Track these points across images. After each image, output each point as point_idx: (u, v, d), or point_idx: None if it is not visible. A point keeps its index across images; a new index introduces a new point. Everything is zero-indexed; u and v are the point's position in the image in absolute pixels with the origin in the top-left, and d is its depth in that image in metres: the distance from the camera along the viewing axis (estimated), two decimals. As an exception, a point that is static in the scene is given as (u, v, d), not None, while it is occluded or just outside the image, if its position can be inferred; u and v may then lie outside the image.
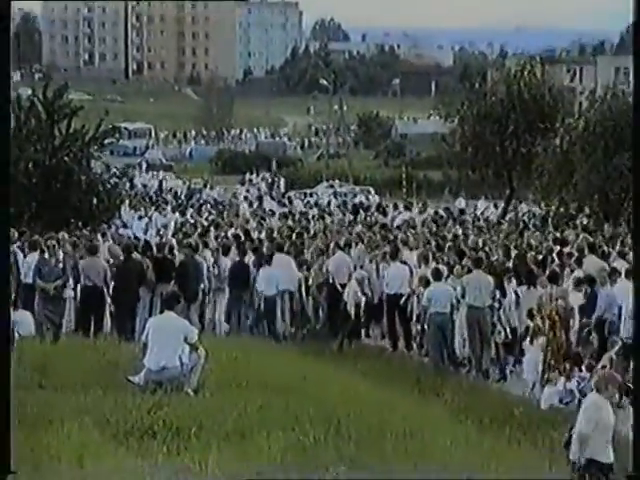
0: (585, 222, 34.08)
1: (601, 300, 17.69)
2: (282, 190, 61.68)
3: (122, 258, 19.56)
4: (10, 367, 8.53)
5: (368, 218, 39.35)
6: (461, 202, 45.40)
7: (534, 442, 12.31)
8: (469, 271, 18.85)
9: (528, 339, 17.69)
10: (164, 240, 25.32)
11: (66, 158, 28.53)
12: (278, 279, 20.52)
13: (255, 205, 46.99)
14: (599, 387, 10.27)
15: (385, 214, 39.98)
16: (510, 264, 20.76)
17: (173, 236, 28.47)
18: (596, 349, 17.23)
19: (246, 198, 51.56)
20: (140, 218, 36.45)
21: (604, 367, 16.08)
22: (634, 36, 9.36)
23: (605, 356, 16.36)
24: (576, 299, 18.06)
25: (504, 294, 18.86)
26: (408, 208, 40.50)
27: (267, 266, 20.61)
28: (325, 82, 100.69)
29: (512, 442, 12.10)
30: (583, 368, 16.52)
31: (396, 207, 41.22)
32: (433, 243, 25.63)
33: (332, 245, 23.32)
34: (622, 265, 19.80)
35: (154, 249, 21.03)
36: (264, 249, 22.50)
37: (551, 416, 14.35)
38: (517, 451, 11.59)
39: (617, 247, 23.14)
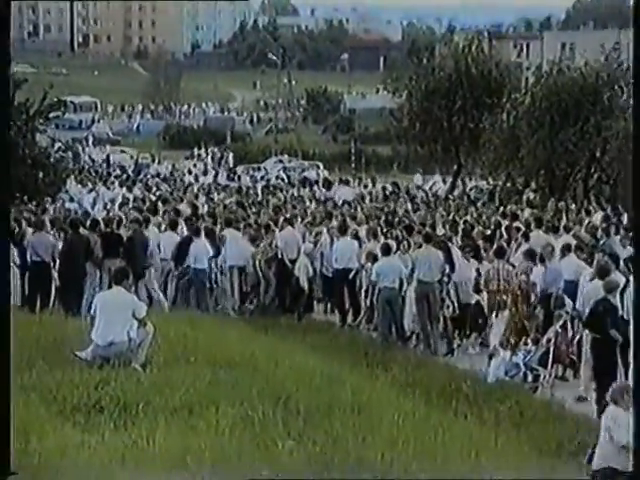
0: (532, 197, 34.41)
1: (547, 274, 17.86)
2: (230, 165, 61.40)
3: (69, 233, 19.38)
4: (10, 367, 8.43)
5: (317, 193, 39.36)
6: (419, 178, 45.41)
7: (480, 415, 12.42)
8: (420, 246, 18.92)
9: (494, 313, 17.79)
10: (111, 215, 25.09)
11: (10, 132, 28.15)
12: (209, 252, 20.41)
13: (203, 180, 46.77)
14: (615, 399, 10.20)
15: (330, 189, 40.00)
16: (458, 239, 20.91)
17: (120, 211, 28.25)
18: (541, 323, 17.42)
19: (194, 173, 51.28)
20: (88, 192, 36.10)
21: (549, 340, 16.28)
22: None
23: (550, 329, 16.54)
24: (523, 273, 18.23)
25: (453, 269, 18.95)
26: (346, 183, 40.57)
27: (197, 239, 20.47)
28: (274, 57, 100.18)
29: (459, 415, 12.20)
30: (529, 341, 16.71)
31: (346, 182, 41.24)
32: (382, 218, 25.73)
33: (281, 220, 23.29)
34: (569, 239, 20.03)
35: (101, 224, 20.84)
36: (212, 224, 22.40)
37: (497, 389, 14.48)
38: (464, 424, 11.68)
39: (563, 221, 23.38)
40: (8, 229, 9.57)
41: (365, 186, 39.44)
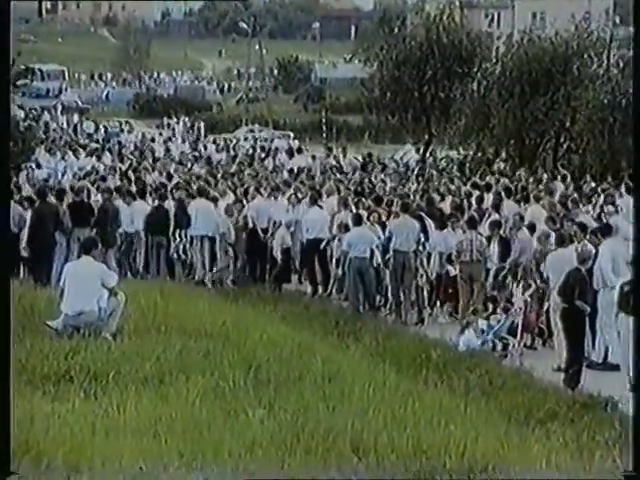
0: (502, 166, 34.52)
1: (516, 244, 17.95)
2: (201, 134, 61.13)
3: (37, 202, 19.25)
4: (10, 366, 8.36)
5: (288, 163, 39.22)
6: (410, 150, 44.83)
7: (450, 384, 12.49)
8: (396, 215, 18.92)
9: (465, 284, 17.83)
10: (81, 184, 24.92)
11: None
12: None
13: (174, 149, 46.52)
14: None
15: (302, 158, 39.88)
16: (429, 209, 20.92)
17: (90, 180, 28.04)
18: (511, 292, 17.51)
19: (165, 142, 50.98)
20: (58, 161, 35.81)
21: (518, 310, 16.39)
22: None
23: (520, 299, 16.64)
24: (493, 243, 18.31)
25: (427, 238, 18.99)
26: (299, 151, 40.44)
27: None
28: (244, 25, 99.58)
29: (429, 384, 12.26)
30: (499, 311, 16.80)
31: (299, 150, 41.16)
32: (352, 188, 25.71)
33: (252, 190, 23.24)
34: (540, 210, 20.11)
35: (71, 193, 20.71)
36: (183, 194, 22.30)
37: (467, 358, 14.57)
38: (434, 393, 11.74)
39: (533, 191, 23.44)
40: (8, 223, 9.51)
41: (327, 155, 39.35)
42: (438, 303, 18.89)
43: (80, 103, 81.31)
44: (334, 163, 38.19)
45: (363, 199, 22.65)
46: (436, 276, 18.78)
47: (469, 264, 17.72)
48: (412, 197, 22.86)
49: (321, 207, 21.12)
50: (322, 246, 20.47)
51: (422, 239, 18.59)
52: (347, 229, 19.12)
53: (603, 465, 8.95)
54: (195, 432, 8.74)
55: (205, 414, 9.30)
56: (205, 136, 59.55)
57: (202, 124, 65.51)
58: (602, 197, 23.00)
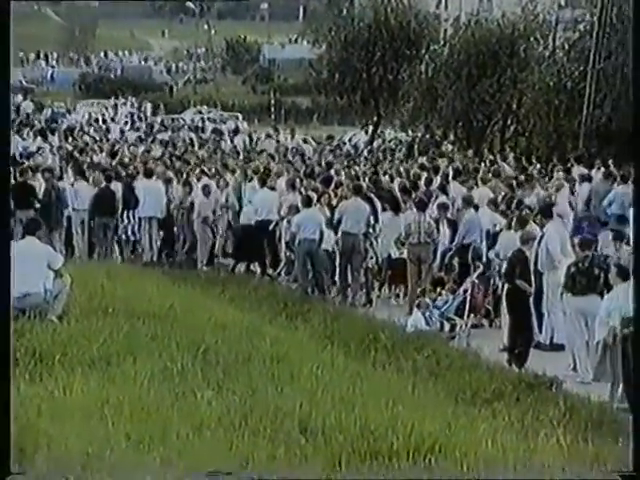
0: (450, 148, 34.71)
1: (463, 226, 18.06)
2: (149, 115, 60.69)
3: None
4: (10, 367, 8.23)
5: (237, 145, 39.12)
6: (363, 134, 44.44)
7: (398, 365, 12.56)
8: (346, 197, 18.92)
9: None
10: (25, 165, 24.63)
11: None
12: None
13: (120, 130, 46.14)
14: None
15: (252, 140, 39.83)
16: (378, 191, 20.98)
17: (35, 160, 27.73)
18: (458, 273, 17.65)
19: (111, 123, 50.54)
20: None
21: (466, 290, 16.52)
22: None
23: (467, 280, 16.77)
24: (442, 226, 18.43)
25: (376, 220, 19.04)
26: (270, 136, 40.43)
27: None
28: (192, 5, 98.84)
29: (377, 365, 12.32)
30: (444, 292, 16.92)
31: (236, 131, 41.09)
32: (302, 170, 25.70)
33: (197, 171, 23.16)
34: (486, 191, 20.27)
35: (14, 174, 20.45)
36: (130, 175, 22.16)
37: (415, 339, 14.64)
38: (382, 374, 11.80)
39: (480, 173, 23.60)
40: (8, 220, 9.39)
41: (281, 137, 39.34)
42: (386, 285, 18.96)
43: (24, 83, 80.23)
44: (282, 144, 38.14)
45: (312, 181, 22.66)
46: (385, 258, 18.83)
47: (417, 246, 17.78)
48: (361, 179, 22.90)
49: (273, 189, 21.09)
50: (271, 227, 20.46)
51: (372, 221, 18.62)
52: (297, 211, 19.10)
53: (547, 444, 9.05)
54: (143, 414, 8.70)
55: (153, 396, 9.26)
56: (153, 116, 59.11)
57: (149, 105, 65.02)
58: (551, 179, 23.23)
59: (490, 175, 22.67)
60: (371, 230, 18.63)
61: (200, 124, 53.57)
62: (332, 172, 25.15)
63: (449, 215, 18.57)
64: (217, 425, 8.56)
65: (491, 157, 29.72)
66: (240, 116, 60.28)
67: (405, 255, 18.26)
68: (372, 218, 18.69)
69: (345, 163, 29.27)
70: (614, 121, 29.69)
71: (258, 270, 20.78)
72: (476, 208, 18.46)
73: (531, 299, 14.59)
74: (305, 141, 40.33)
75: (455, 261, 17.87)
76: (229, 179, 23.09)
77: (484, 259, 17.27)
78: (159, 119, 56.08)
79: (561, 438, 9.29)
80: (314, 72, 45.11)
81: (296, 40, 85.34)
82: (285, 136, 42.16)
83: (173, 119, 56.20)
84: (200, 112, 62.12)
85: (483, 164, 26.97)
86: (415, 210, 18.30)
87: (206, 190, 21.35)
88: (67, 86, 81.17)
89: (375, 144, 40.05)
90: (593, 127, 29.95)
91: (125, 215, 20.94)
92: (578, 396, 11.99)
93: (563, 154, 29.91)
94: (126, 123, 51.46)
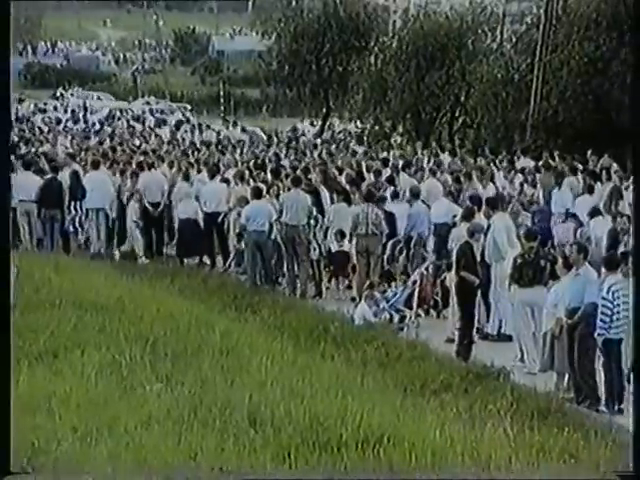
0: (399, 140, 34.85)
1: (410, 218, 18.13)
2: (96, 106, 60.12)
3: None
4: (10, 368, 8.09)
5: (186, 136, 38.95)
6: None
7: (348, 356, 12.60)
8: (288, 189, 18.90)
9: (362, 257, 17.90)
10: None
11: None
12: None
13: (68, 120, 45.71)
14: None
15: (201, 132, 39.67)
16: (326, 182, 20.98)
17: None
18: (405, 265, 17.72)
19: (58, 113, 50.04)
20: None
21: (415, 282, 16.59)
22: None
23: (416, 272, 16.85)
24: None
25: (322, 212, 19.02)
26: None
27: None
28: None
29: (326, 357, 12.34)
30: (394, 284, 16.99)
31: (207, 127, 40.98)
32: (252, 162, 25.66)
33: (145, 162, 22.99)
34: (435, 184, 20.36)
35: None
36: (78, 166, 21.96)
37: (364, 331, 14.69)
38: (331, 365, 11.83)
39: (430, 164, 23.73)
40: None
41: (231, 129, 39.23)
42: (335, 276, 18.95)
43: (-32, 72, 79.05)
44: (232, 136, 38.04)
45: (262, 172, 22.63)
46: (334, 250, 18.82)
47: (365, 237, 17.77)
48: (311, 170, 22.89)
49: (227, 181, 20.99)
50: (220, 219, 20.39)
51: (314, 212, 18.57)
52: (246, 202, 19.05)
53: (494, 434, 9.13)
54: (90, 407, 8.65)
55: (100, 389, 9.20)
56: (100, 107, 58.59)
57: (97, 95, 64.46)
58: (500, 171, 23.40)
59: (437, 166, 22.80)
60: (313, 221, 18.57)
61: (148, 115, 53.23)
62: (281, 163, 25.15)
63: (385, 209, 18.38)
64: (166, 418, 8.52)
65: (439, 149, 29.88)
66: (189, 107, 59.99)
67: (346, 248, 18.21)
68: (316, 209, 18.65)
69: (294, 155, 29.26)
70: (561, 113, 29.98)
71: (208, 262, 20.70)
72: (425, 199, 18.54)
73: (479, 290, 14.69)
74: (255, 132, 40.25)
75: (404, 253, 17.92)
76: (178, 170, 22.96)
77: (432, 250, 17.37)
78: (107, 110, 55.63)
79: (508, 428, 9.38)
80: (263, 64, 45.09)
81: (245, 32, 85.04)
82: (234, 127, 42.02)
83: (121, 110, 55.79)
84: (148, 103, 61.73)
85: (430, 156, 27.09)
86: (363, 201, 18.27)
87: (151, 181, 21.20)
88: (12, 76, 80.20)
89: (324, 135, 40.09)
90: (540, 119, 30.22)
91: (72, 206, 20.74)
92: (525, 386, 12.11)
93: (511, 146, 30.15)
94: (73, 113, 50.95)
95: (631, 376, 11.17)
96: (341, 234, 18.34)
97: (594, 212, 17.29)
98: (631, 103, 9.21)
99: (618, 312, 11.97)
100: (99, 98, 63.38)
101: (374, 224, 17.76)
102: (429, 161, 25.24)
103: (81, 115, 51.13)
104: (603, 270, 12.43)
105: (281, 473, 7.59)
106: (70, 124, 43.84)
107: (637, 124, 9.11)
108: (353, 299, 17.37)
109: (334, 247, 18.47)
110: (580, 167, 21.94)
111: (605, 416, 11.56)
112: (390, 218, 18.16)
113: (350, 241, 18.30)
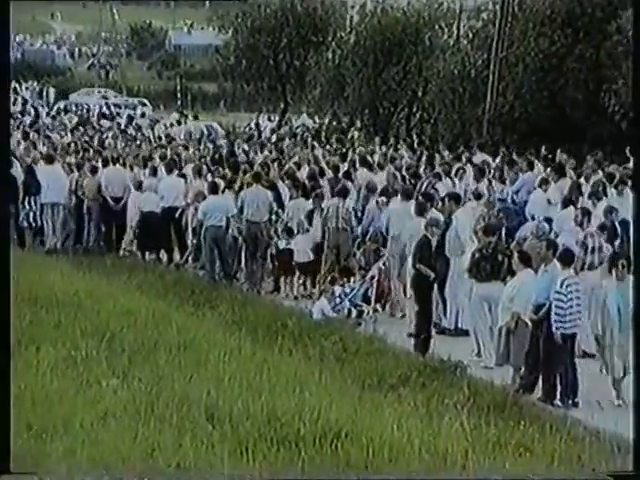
0: (356, 135, 34.90)
1: (369, 212, 18.15)
2: (51, 100, 59.65)
3: None
4: (10, 368, 7.96)
5: (143, 131, 38.73)
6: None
7: (306, 351, 12.60)
8: (248, 185, 18.83)
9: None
10: None
11: None
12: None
13: (22, 115, 45.28)
14: None
15: (158, 126, 39.48)
16: (284, 178, 20.96)
17: None
18: (364, 260, 17.72)
19: (12, 107, 49.49)
20: None
21: (372, 277, 16.63)
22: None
23: (374, 266, 16.87)
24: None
25: (282, 207, 18.96)
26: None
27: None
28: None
29: (284, 352, 12.34)
30: (352, 279, 17.00)
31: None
32: (209, 157, 25.57)
33: (102, 157, 22.85)
34: (389, 177, 20.40)
35: None
36: (32, 160, 21.77)
37: (322, 326, 14.71)
38: (289, 360, 11.82)
39: (382, 160, 23.76)
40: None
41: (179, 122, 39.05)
42: (281, 275, 18.69)
43: None
44: (190, 130, 37.89)
45: (220, 168, 22.55)
46: (281, 247, 18.54)
47: (336, 232, 17.72)
48: (269, 165, 22.86)
49: (184, 176, 20.89)
50: (177, 214, 20.30)
51: (275, 208, 18.54)
52: (204, 198, 18.97)
53: (451, 428, 9.18)
54: (46, 403, 8.58)
55: (56, 385, 9.13)
56: (56, 101, 58.10)
57: (52, 89, 63.90)
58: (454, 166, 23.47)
59: (399, 160, 22.86)
60: (274, 217, 18.54)
61: (105, 109, 52.85)
62: (239, 158, 25.07)
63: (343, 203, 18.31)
64: (122, 414, 8.48)
65: (396, 144, 29.96)
66: (147, 101, 59.68)
67: (292, 246, 18.09)
68: (276, 205, 18.61)
69: (252, 150, 29.19)
70: (517, 108, 30.18)
71: (165, 257, 20.61)
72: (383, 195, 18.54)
73: (435, 285, 14.73)
74: (212, 127, 40.12)
75: (363, 247, 17.92)
76: (135, 165, 22.83)
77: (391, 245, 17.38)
78: (62, 104, 55.16)
79: (465, 422, 9.43)
80: (221, 58, 44.95)
81: (202, 26, 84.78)
82: (192, 122, 41.86)
83: (76, 104, 55.34)
84: (105, 97, 61.29)
85: (389, 151, 27.16)
86: (335, 197, 18.21)
87: (113, 176, 21.07)
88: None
89: (282, 131, 40.04)
90: (496, 114, 30.40)
91: (27, 201, 20.55)
92: (482, 380, 12.18)
93: (468, 141, 30.30)
94: (28, 108, 50.48)
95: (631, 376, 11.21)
96: (288, 232, 18.21)
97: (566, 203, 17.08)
98: (632, 103, 9.35)
99: (571, 307, 12.08)
100: (55, 92, 62.77)
101: (344, 219, 17.74)
102: (386, 156, 25.28)
103: (35, 109, 50.65)
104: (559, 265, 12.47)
105: (240, 469, 7.59)
106: (24, 118, 43.43)
107: (637, 124, 9.24)
108: (310, 296, 17.36)
109: (281, 245, 18.29)
110: (537, 162, 22.08)
111: (560, 410, 11.66)
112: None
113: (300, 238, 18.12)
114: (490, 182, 20.55)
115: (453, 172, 21.11)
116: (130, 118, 45.75)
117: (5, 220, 8.62)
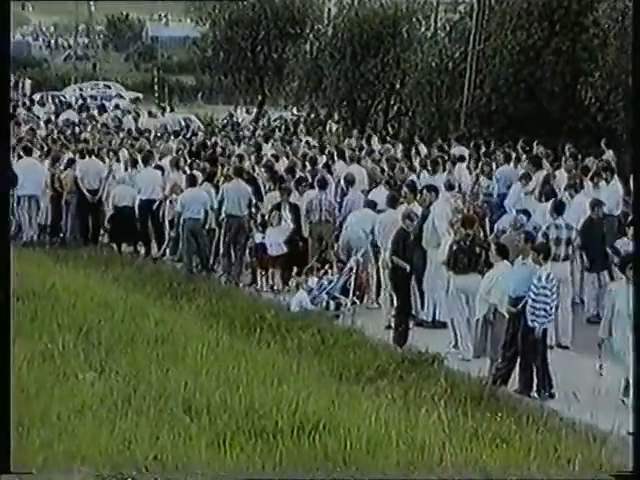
0: (334, 128, 34.88)
1: (345, 205, 18.15)
2: (28, 92, 59.28)
3: None
4: (10, 368, 7.90)
5: (120, 123, 38.54)
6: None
7: (284, 344, 12.61)
8: (229, 179, 18.79)
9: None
10: None
11: None
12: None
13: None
14: None
15: (136, 118, 39.29)
16: (262, 170, 20.94)
17: None
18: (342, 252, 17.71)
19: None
20: None
21: (351, 269, 16.63)
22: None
23: (352, 259, 16.87)
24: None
25: (260, 199, 18.93)
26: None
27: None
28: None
29: (262, 344, 12.34)
30: (330, 271, 17.00)
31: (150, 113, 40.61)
32: (187, 149, 25.49)
33: (79, 149, 22.75)
34: (360, 169, 20.43)
35: None
36: (6, 152, 21.60)
37: (300, 318, 14.72)
38: (267, 353, 11.83)
39: (364, 153, 23.77)
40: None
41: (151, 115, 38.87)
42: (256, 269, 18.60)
43: None
44: (167, 122, 37.76)
45: (197, 160, 22.48)
46: (257, 241, 18.43)
47: (318, 224, 17.71)
48: (246, 158, 22.82)
49: (162, 168, 20.83)
50: (155, 207, 20.23)
51: (254, 201, 18.51)
52: (181, 190, 18.92)
53: (429, 420, 9.21)
54: (22, 396, 8.55)
55: (32, 378, 9.10)
56: (32, 93, 57.75)
57: (28, 81, 63.50)
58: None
59: (378, 153, 22.86)
60: (254, 209, 18.51)
61: (82, 101, 52.57)
62: (217, 151, 25.01)
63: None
64: (99, 406, 8.47)
65: (374, 137, 29.97)
66: (123, 93, 59.40)
67: (265, 240, 18.01)
68: (254, 198, 18.58)
69: (230, 142, 29.11)
70: (494, 101, 30.23)
71: (142, 250, 20.55)
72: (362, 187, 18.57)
73: (412, 277, 14.76)
74: (190, 119, 40.00)
75: (339, 241, 17.91)
76: (112, 157, 22.73)
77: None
78: (38, 96, 54.82)
79: (442, 413, 9.46)
80: (198, 50, 44.81)
81: (179, 18, 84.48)
82: (169, 114, 41.69)
83: (53, 96, 55.01)
84: (82, 89, 60.97)
85: (365, 143, 27.16)
86: (315, 189, 18.21)
87: (89, 168, 20.98)
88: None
89: (260, 123, 39.97)
90: (474, 107, 30.44)
91: (4, 194, 20.41)
92: (459, 372, 12.22)
93: (445, 134, 30.33)
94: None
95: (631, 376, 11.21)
96: (263, 225, 18.15)
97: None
98: (632, 103, 9.37)
99: (553, 300, 12.15)
100: (31, 84, 62.40)
101: (327, 211, 17.74)
102: (363, 148, 25.28)
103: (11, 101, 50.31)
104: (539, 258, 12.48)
105: (217, 461, 7.58)
106: None
107: (637, 124, 9.28)
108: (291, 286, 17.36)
109: (258, 238, 18.22)
110: (514, 155, 22.12)
111: (536, 401, 11.71)
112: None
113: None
114: (471, 173, 20.58)
115: (429, 164, 21.10)
116: (105, 109, 45.50)
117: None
